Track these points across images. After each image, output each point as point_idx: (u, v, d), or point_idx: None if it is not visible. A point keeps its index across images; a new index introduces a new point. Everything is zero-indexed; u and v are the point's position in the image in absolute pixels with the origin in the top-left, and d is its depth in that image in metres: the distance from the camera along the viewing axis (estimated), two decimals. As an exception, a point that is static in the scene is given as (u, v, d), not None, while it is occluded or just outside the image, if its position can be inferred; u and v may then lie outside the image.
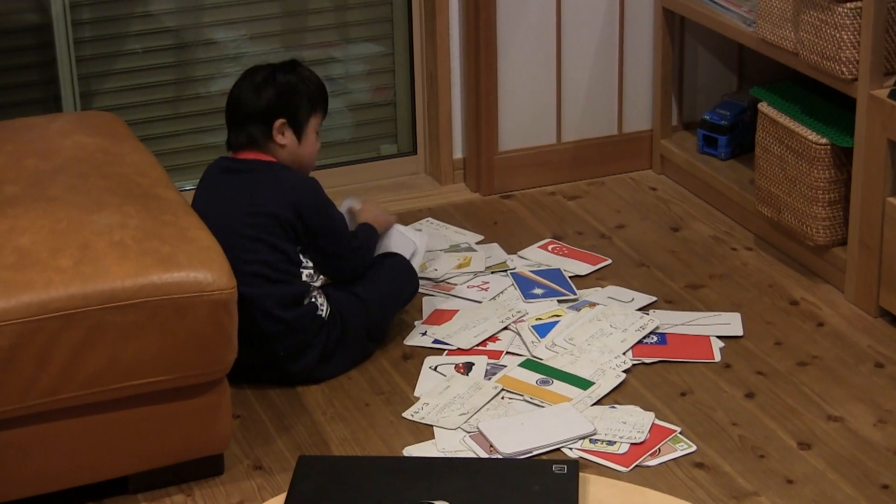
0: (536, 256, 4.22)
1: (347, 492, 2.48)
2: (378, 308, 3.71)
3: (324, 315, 3.60)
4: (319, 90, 3.71)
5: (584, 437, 3.36)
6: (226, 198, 3.57)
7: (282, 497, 2.49)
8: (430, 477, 2.50)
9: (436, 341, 3.77)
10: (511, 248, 4.26)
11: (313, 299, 3.59)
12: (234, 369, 3.55)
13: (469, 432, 3.39)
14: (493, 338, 3.78)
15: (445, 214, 4.49)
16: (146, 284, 3.02)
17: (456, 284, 4.04)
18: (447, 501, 2.36)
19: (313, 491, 2.48)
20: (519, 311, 3.88)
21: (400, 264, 3.82)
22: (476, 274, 4.10)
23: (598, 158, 4.74)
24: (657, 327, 3.80)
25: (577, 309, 3.89)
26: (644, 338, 3.76)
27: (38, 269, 3.00)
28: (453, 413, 3.46)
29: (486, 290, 4.01)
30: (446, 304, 3.94)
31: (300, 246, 3.58)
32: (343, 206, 3.87)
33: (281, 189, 3.55)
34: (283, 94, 3.63)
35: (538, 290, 4.00)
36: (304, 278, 3.58)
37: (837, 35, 3.76)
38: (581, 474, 2.51)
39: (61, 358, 2.97)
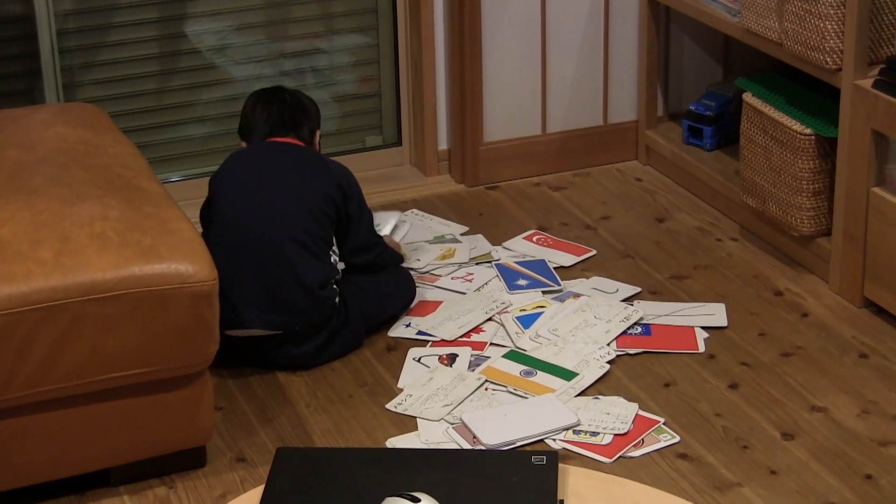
0: (521, 247, 4.21)
1: (326, 484, 2.48)
2: (376, 303, 3.75)
3: (336, 301, 3.64)
4: None
5: (567, 428, 3.35)
6: (273, 173, 3.67)
7: (262, 489, 2.48)
8: (409, 469, 2.50)
9: (420, 332, 3.77)
10: (496, 240, 4.25)
11: (335, 285, 3.65)
12: (236, 346, 3.56)
13: (452, 424, 3.39)
14: (477, 329, 3.77)
15: (430, 206, 4.48)
16: (127, 276, 3.01)
17: (440, 276, 4.04)
18: (425, 493, 2.36)
19: (292, 483, 2.47)
20: (503, 303, 3.87)
21: (404, 273, 3.89)
22: (460, 265, 4.09)
23: (584, 149, 4.73)
24: (641, 318, 3.80)
25: (562, 300, 3.88)
26: (628, 328, 3.75)
27: (19, 261, 2.99)
28: (437, 404, 3.45)
29: (470, 281, 4.01)
30: (430, 295, 3.93)
31: (336, 227, 3.69)
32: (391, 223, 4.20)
33: (329, 171, 3.70)
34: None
35: (522, 281, 3.99)
36: (331, 260, 3.65)
37: (821, 25, 3.75)
38: (560, 465, 2.51)
39: (42, 350, 2.96)
